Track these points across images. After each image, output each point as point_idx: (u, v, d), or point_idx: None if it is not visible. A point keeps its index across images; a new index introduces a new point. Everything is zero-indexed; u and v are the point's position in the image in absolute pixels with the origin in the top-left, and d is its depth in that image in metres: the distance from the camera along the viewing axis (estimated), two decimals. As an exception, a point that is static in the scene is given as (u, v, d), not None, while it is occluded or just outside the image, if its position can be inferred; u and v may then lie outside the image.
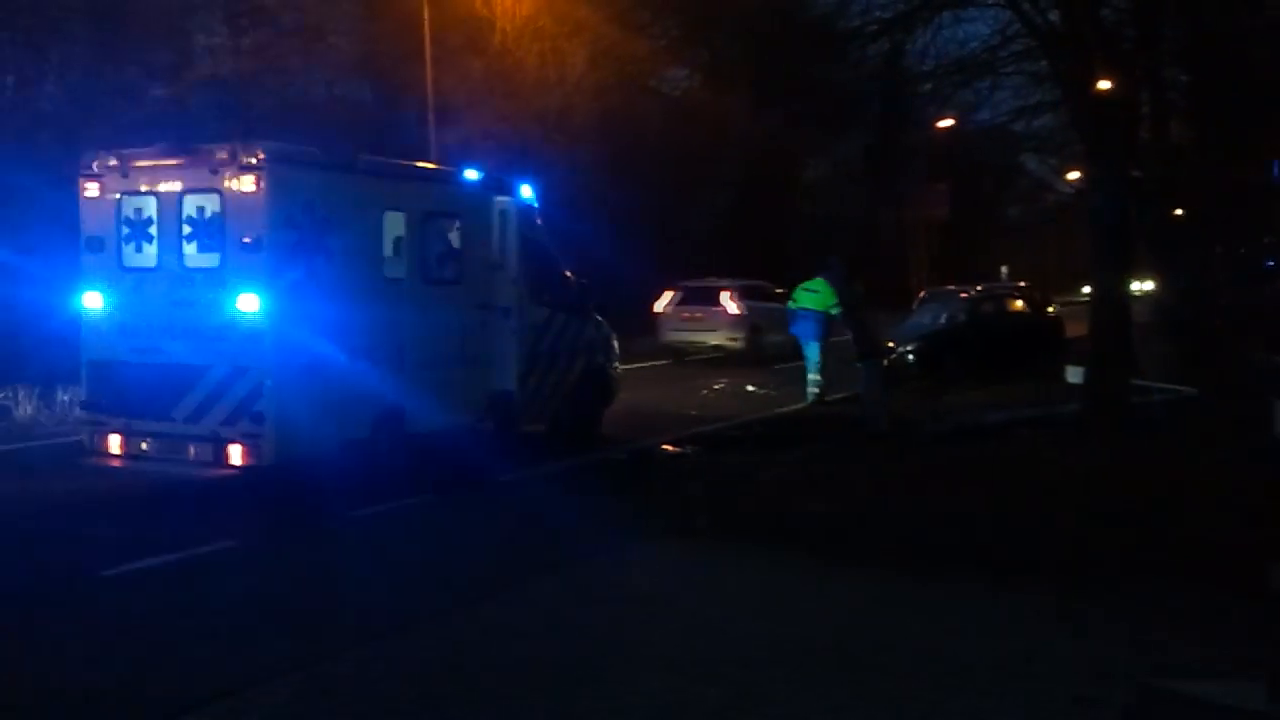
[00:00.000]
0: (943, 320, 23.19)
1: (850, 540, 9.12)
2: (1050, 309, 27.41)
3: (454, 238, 12.43)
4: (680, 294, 27.47)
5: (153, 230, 10.67)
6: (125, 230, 10.80)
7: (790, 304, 19.73)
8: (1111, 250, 15.81)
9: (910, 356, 20.96)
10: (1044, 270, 54.05)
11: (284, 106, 26.68)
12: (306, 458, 10.44)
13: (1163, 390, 16.12)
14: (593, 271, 15.40)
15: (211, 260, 10.37)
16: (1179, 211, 21.41)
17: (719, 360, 25.77)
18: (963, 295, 24.91)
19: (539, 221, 13.73)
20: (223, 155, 10.31)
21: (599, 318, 14.75)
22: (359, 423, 10.81)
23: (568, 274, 14.11)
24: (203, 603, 7.78)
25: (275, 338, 10.12)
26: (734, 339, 26.43)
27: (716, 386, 21.23)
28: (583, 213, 26.58)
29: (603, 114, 32.59)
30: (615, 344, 15.23)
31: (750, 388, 21.18)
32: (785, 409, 18.33)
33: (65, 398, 15.41)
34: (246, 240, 10.12)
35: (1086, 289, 49.78)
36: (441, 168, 14.69)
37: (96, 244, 10.96)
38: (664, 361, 25.93)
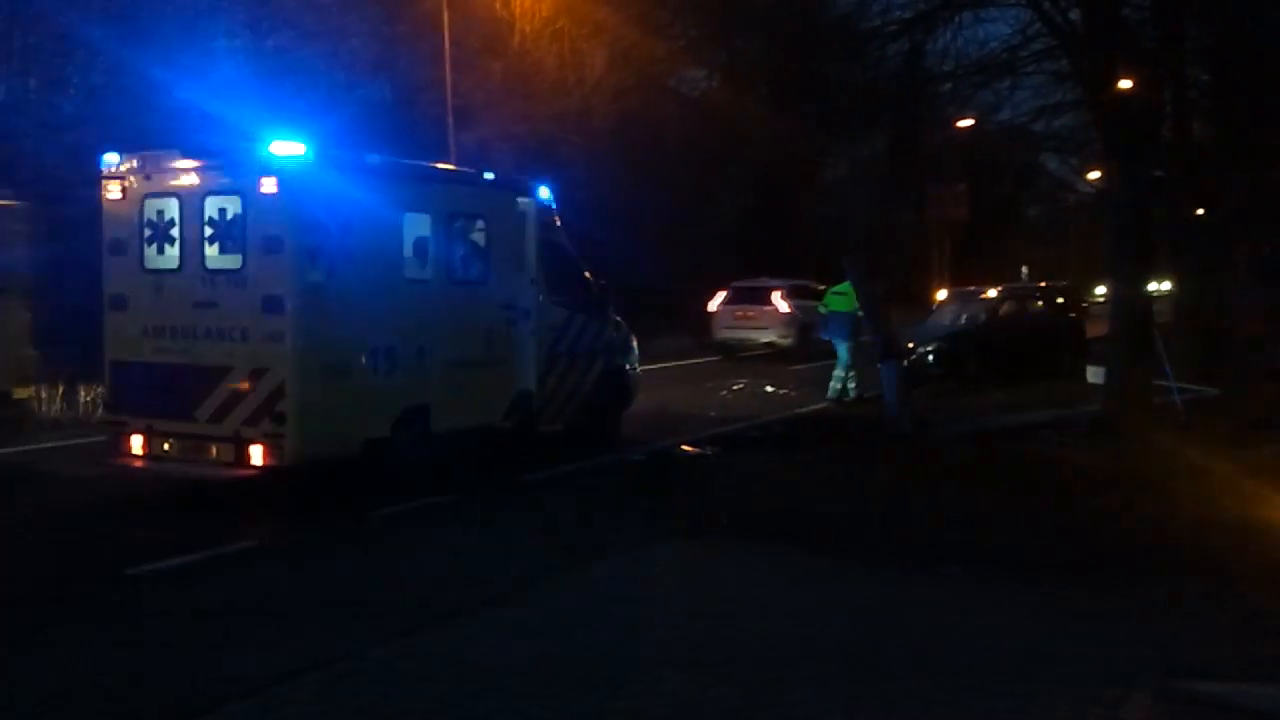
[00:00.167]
0: (963, 321, 23.12)
1: (869, 540, 9.13)
2: (1084, 305, 27.61)
3: (478, 239, 12.47)
4: (732, 293, 28.57)
5: (175, 232, 10.72)
6: (147, 232, 10.86)
7: (820, 307, 20.03)
8: (1132, 250, 15.74)
9: (930, 357, 20.92)
10: (1064, 270, 53.76)
11: (305, 108, 26.77)
12: (328, 458, 10.49)
13: (1184, 390, 16.04)
14: (634, 274, 15.45)
15: (233, 261, 10.42)
16: (1200, 211, 21.28)
17: (770, 356, 26.81)
18: (983, 296, 24.82)
19: (558, 222, 13.76)
20: (245, 157, 10.36)
21: (618, 319, 14.77)
22: (379, 422, 10.85)
23: (586, 275, 14.13)
24: (225, 601, 7.84)
25: (296, 338, 10.16)
26: (785, 336, 27.53)
27: (735, 387, 21.22)
28: (601, 213, 26.61)
29: (621, 115, 32.63)
30: (634, 345, 15.25)
31: (769, 388, 21.17)
32: (804, 409, 18.32)
33: (88, 398, 15.54)
34: (268, 241, 10.16)
35: (1100, 289, 49.57)
36: (462, 169, 14.73)
37: (119, 245, 11.03)
38: (715, 358, 27.03)
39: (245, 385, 10.21)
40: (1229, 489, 10.47)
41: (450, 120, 25.23)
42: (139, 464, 10.81)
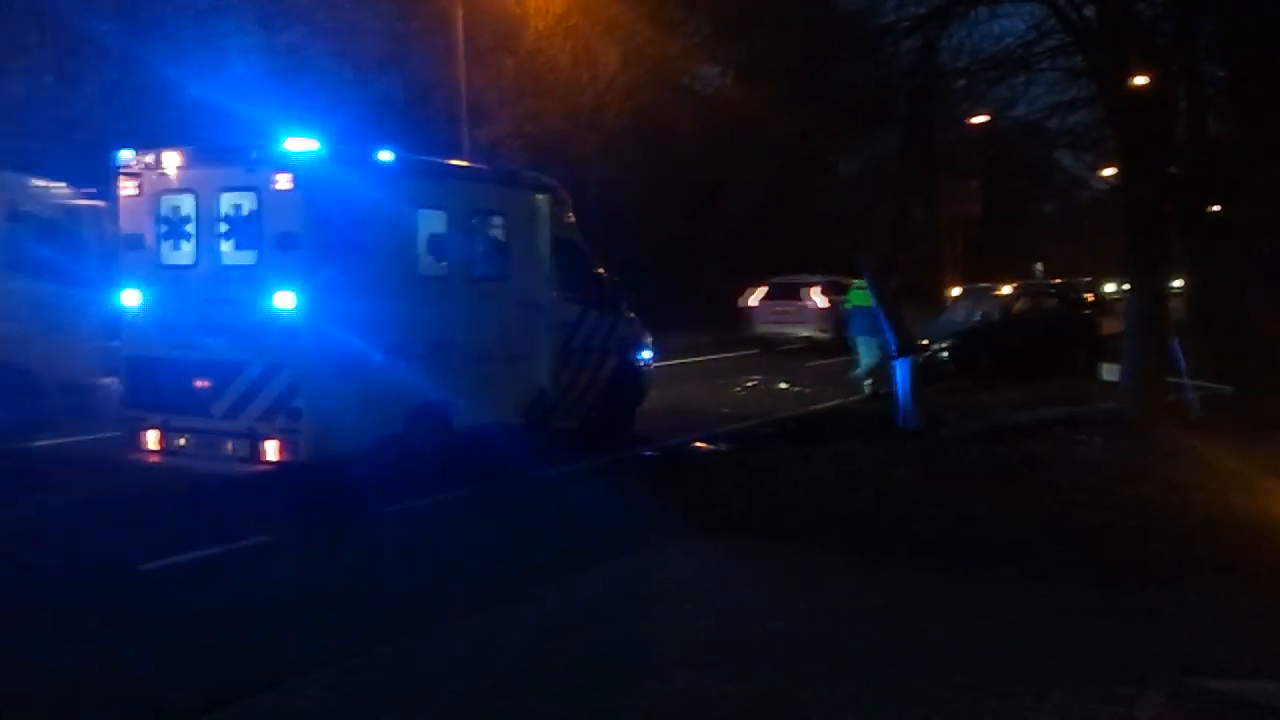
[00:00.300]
0: (976, 318, 23.08)
1: (882, 537, 9.12)
2: (1089, 297, 27.70)
3: (495, 235, 12.49)
4: (770, 289, 29.80)
5: (190, 228, 10.76)
6: (163, 228, 10.90)
7: (844, 304, 20.11)
8: (1147, 247, 15.69)
9: (944, 354, 20.88)
10: (1078, 267, 53.63)
11: (318, 105, 26.82)
12: (342, 453, 10.51)
13: (1199, 388, 15.98)
14: (647, 270, 15.48)
15: (248, 258, 10.45)
16: (1215, 208, 21.20)
17: (807, 350, 27.75)
18: (996, 293, 24.78)
19: (571, 218, 13.77)
20: (259, 153, 10.39)
21: (631, 315, 14.77)
22: (393, 418, 10.87)
23: (600, 271, 14.14)
24: (240, 596, 7.87)
25: (311, 334, 10.19)
26: (823, 330, 28.16)
27: (749, 384, 21.21)
28: (614, 210, 26.66)
29: (635, 112, 32.62)
30: (647, 341, 15.25)
31: (782, 385, 21.16)
32: (818, 406, 18.31)
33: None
34: (282, 238, 10.19)
35: (1109, 286, 49.38)
36: (477, 165, 14.76)
37: (134, 242, 11.07)
38: (728, 354, 27.53)
39: (260, 381, 10.25)
40: (1243, 487, 10.44)
41: (463, 117, 25.26)
42: (155, 459, 10.85)
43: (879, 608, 7.34)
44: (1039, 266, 50.72)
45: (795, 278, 29.69)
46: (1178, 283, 19.74)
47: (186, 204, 10.77)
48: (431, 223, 11.64)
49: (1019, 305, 23.82)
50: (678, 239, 36.29)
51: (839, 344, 26.00)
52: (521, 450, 12.31)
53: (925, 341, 19.56)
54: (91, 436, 12.94)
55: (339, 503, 10.51)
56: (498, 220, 12.53)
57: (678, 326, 27.83)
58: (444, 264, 11.75)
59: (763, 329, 29.54)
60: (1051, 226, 63.59)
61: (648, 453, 13.55)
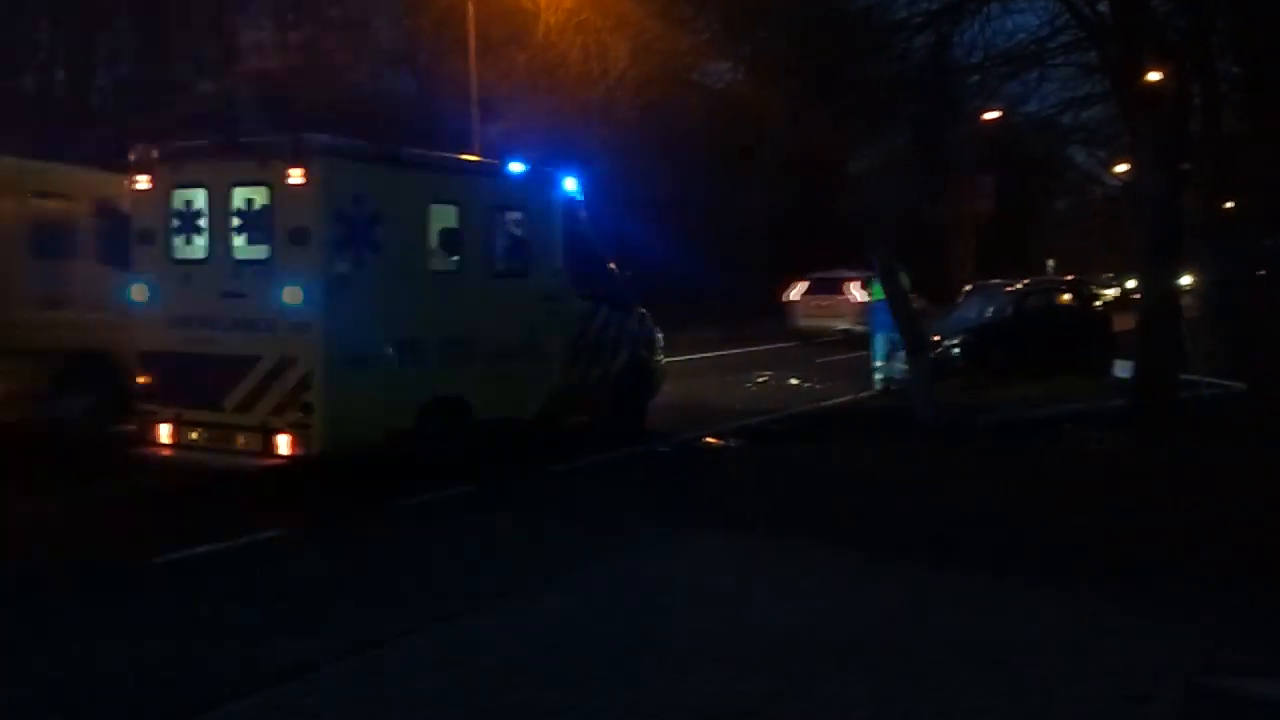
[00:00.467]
0: (988, 314, 23.02)
1: (895, 533, 9.10)
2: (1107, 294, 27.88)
3: (508, 230, 12.49)
4: (810, 284, 31.51)
5: (202, 223, 10.77)
6: (175, 223, 10.91)
7: (865, 297, 20.14)
8: (1160, 244, 15.63)
9: (956, 350, 20.84)
10: (1091, 263, 53.50)
11: (329, 100, 26.86)
12: (353, 448, 10.53)
13: (1212, 385, 15.93)
14: (658, 265, 15.50)
15: (261, 252, 10.47)
16: (1229, 205, 21.11)
17: (843, 343, 28.39)
18: (1008, 289, 24.71)
19: (583, 214, 13.76)
20: (272, 148, 10.40)
21: (643, 311, 14.76)
22: (405, 414, 10.88)
23: (611, 266, 14.13)
24: (252, 590, 7.89)
25: (323, 329, 10.20)
26: (860, 324, 28.38)
27: (760, 380, 21.20)
28: (626, 206, 26.66)
29: (645, 108, 32.57)
30: (659, 337, 15.24)
31: (794, 381, 21.14)
32: (829, 402, 18.30)
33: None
34: (295, 233, 10.20)
35: (1131, 283, 49.19)
36: (488, 160, 14.73)
37: (147, 236, 11.09)
38: (739, 350, 27.96)
39: (272, 375, 10.28)
40: (1257, 484, 10.40)
41: (475, 112, 25.26)
42: (167, 452, 10.87)
43: (890, 604, 7.33)
44: (1051, 263, 50.53)
45: (835, 273, 30.79)
46: (1185, 280, 19.65)
47: (199, 198, 10.78)
48: (444, 218, 11.64)
49: (1031, 301, 23.75)
50: (688, 234, 36.24)
51: None
52: (533, 445, 12.31)
53: (936, 338, 19.54)
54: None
55: (351, 497, 10.53)
56: (510, 215, 12.53)
57: (688, 322, 27.82)
58: (456, 259, 11.76)
59: (802, 323, 31.16)
60: (1064, 223, 63.43)
61: (659, 448, 13.55)
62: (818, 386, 20.29)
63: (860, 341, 26.36)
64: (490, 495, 10.89)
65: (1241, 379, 16.90)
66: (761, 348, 28.51)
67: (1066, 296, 25.02)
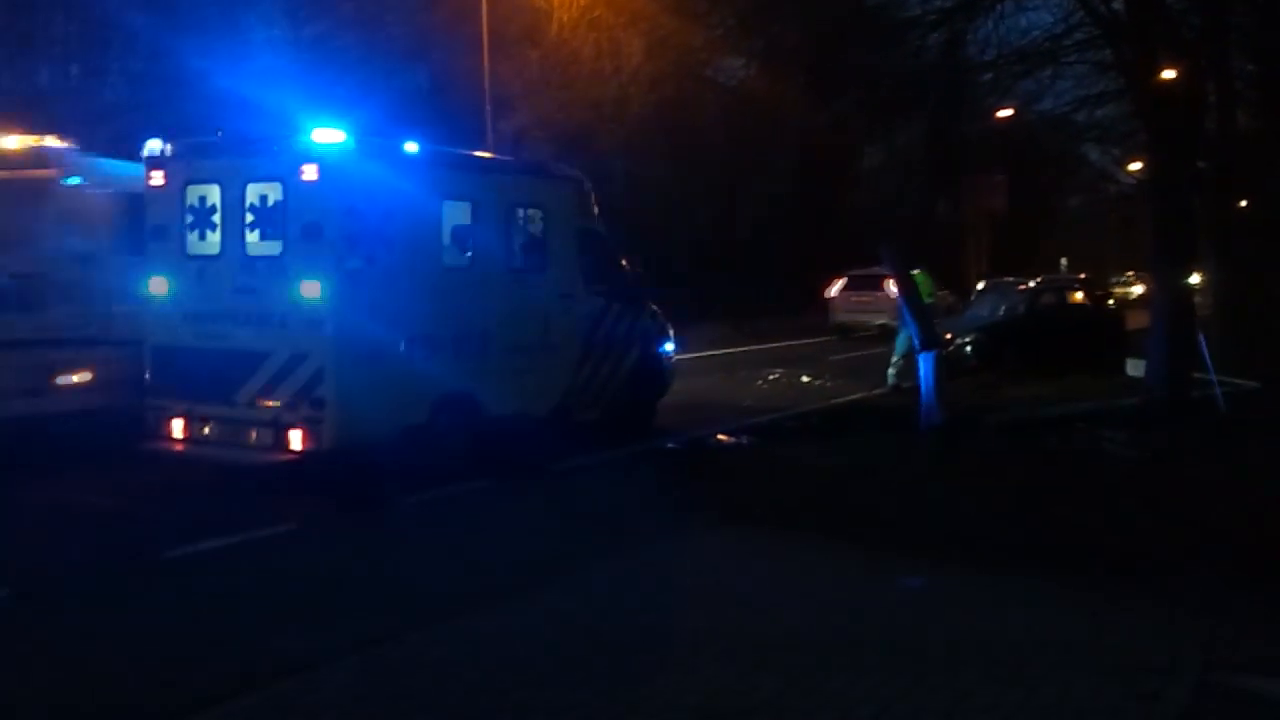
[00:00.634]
0: (1001, 312, 22.98)
1: (904, 531, 9.10)
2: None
3: (520, 226, 12.50)
4: (849, 280, 32.61)
5: (216, 218, 10.81)
6: (189, 218, 10.95)
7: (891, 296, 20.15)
8: (1174, 242, 15.59)
9: (968, 348, 20.80)
10: (1104, 262, 53.35)
11: (343, 96, 26.91)
12: (366, 442, 10.55)
13: (1224, 383, 15.88)
14: (670, 262, 15.49)
15: (273, 248, 10.50)
16: (1244, 203, 21.05)
17: (810, 346, 28.89)
18: (1021, 287, 24.65)
19: (595, 210, 13.77)
20: (286, 144, 10.43)
21: (654, 307, 14.77)
22: (417, 409, 10.90)
23: (623, 263, 14.14)
24: (264, 584, 7.91)
25: (336, 324, 10.22)
26: (897, 319, 28.66)
27: (771, 377, 21.20)
28: (638, 202, 26.67)
29: (659, 104, 32.60)
30: (670, 334, 15.24)
31: (805, 378, 21.13)
32: (840, 400, 18.28)
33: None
34: (308, 228, 10.23)
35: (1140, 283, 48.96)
36: (501, 157, 14.77)
37: (160, 231, 11.13)
38: (751, 347, 28.11)
39: (284, 370, 10.31)
40: (1268, 483, 10.37)
41: (488, 108, 25.29)
42: (179, 447, 10.91)
43: (899, 601, 7.33)
44: (1064, 261, 50.41)
45: (873, 270, 31.15)
46: (1194, 279, 19.60)
47: (213, 194, 10.82)
48: (457, 214, 11.66)
49: (1044, 300, 23.69)
50: (701, 231, 36.24)
51: None
52: (543, 442, 12.33)
53: (948, 336, 19.50)
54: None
55: (363, 492, 10.56)
56: (523, 212, 12.54)
57: (699, 319, 27.84)
58: (469, 255, 11.78)
59: (841, 318, 32.42)
60: (1077, 221, 63.20)
61: (669, 445, 13.55)
62: (829, 384, 20.28)
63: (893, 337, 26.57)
64: (500, 492, 10.91)
65: (1254, 377, 16.84)
66: (773, 345, 28.50)
67: (1079, 295, 24.96)
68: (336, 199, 10.25)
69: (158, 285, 11.12)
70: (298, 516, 9.70)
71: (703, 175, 35.69)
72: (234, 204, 10.66)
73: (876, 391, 18.87)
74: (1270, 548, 8.40)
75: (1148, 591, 7.52)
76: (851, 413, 16.79)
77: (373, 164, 10.68)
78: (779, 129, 36.59)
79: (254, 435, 10.45)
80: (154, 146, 11.22)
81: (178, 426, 10.87)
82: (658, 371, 14.81)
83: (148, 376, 11.13)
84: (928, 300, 18.14)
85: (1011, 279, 27.42)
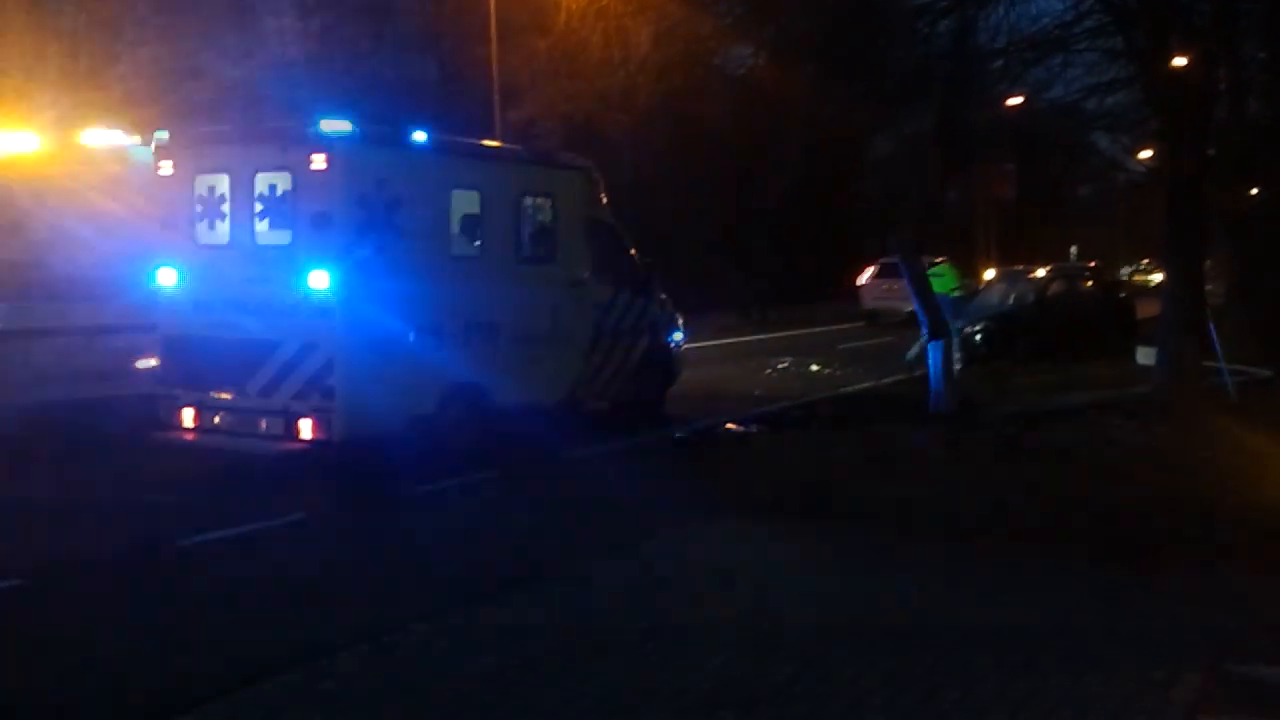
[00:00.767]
0: (1011, 301, 22.92)
1: (915, 520, 9.09)
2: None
3: (530, 216, 12.51)
4: (879, 269, 33.42)
5: (225, 208, 10.82)
6: (199, 208, 10.97)
7: None
8: (1185, 230, 15.53)
9: (978, 337, 20.77)
10: (1114, 250, 53.21)
11: (352, 86, 26.90)
12: (375, 432, 10.57)
13: (1235, 372, 15.82)
14: (678, 251, 15.48)
15: (283, 237, 10.51)
16: (1254, 191, 20.95)
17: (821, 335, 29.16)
18: (1031, 275, 24.60)
19: (604, 199, 13.76)
20: (294, 134, 10.43)
21: (663, 296, 14.76)
22: (426, 399, 10.92)
23: (631, 252, 14.13)
24: (273, 573, 7.93)
25: (345, 314, 10.24)
26: None
27: (780, 366, 21.18)
28: (646, 191, 26.64)
29: (666, 93, 32.53)
30: (679, 323, 15.23)
31: (815, 367, 21.11)
32: (849, 389, 18.25)
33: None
34: (317, 218, 10.23)
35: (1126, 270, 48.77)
36: (510, 146, 14.77)
37: (170, 221, 11.15)
38: (759, 336, 28.40)
39: (294, 360, 10.32)
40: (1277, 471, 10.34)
41: (496, 98, 25.26)
42: (190, 436, 10.94)
43: (911, 589, 7.32)
44: (1074, 250, 50.28)
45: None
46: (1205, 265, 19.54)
47: (222, 184, 10.83)
48: (466, 204, 11.65)
49: (1054, 288, 23.63)
50: (708, 220, 36.22)
51: None
52: (553, 431, 12.33)
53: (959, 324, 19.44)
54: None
55: (373, 481, 10.57)
56: (532, 201, 12.54)
57: (708, 308, 27.83)
58: (479, 244, 11.78)
59: (871, 305, 33.39)
60: (1087, 210, 63.05)
61: (679, 434, 13.54)
62: (838, 373, 20.26)
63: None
64: (509, 482, 10.91)
65: (1265, 365, 16.78)
66: (782, 334, 28.48)
67: (1089, 283, 24.90)
68: (345, 188, 10.25)
69: (167, 275, 11.14)
70: (308, 506, 9.71)
71: (710, 164, 35.63)
72: (243, 194, 10.67)
73: (886, 380, 18.83)
74: (1282, 535, 8.37)
75: (1161, 580, 7.49)
76: (860, 401, 16.76)
77: (381, 153, 10.68)
78: (787, 118, 36.52)
79: (264, 424, 10.49)
80: (163, 137, 11.23)
81: (189, 416, 10.90)
82: (667, 360, 14.81)
83: (159, 366, 11.15)
84: (956, 292, 18.15)
85: (1021, 268, 27.35)
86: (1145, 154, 30.46)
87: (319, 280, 10.19)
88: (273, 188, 10.52)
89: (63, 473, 10.68)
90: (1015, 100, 30.09)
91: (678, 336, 15.18)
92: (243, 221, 10.70)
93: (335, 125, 10.29)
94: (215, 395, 10.76)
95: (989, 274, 29.60)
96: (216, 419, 10.80)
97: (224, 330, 10.70)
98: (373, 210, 10.42)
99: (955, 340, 18.49)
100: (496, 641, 6.33)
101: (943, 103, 19.73)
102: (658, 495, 10.27)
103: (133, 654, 6.32)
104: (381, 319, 10.53)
